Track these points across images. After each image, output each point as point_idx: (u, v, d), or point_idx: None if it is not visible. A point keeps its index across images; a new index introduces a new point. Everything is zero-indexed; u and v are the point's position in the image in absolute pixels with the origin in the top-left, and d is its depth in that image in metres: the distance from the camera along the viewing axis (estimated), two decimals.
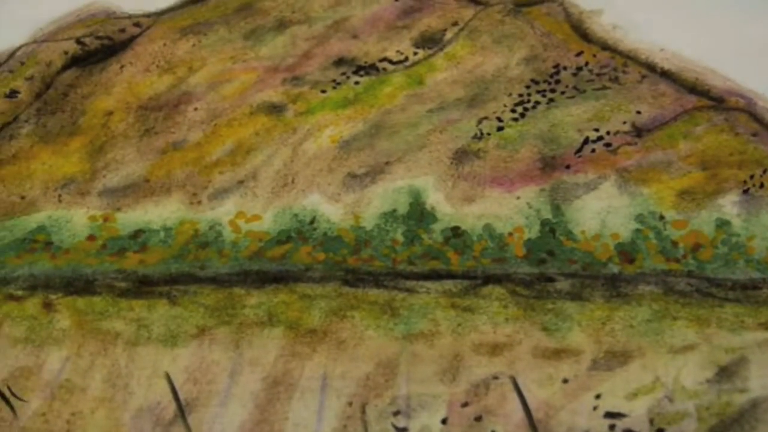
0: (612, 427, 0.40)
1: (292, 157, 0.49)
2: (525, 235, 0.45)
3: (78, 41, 0.55)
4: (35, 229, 0.49)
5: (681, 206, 0.45)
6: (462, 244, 0.45)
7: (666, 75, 0.49)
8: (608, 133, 0.47)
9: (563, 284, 0.44)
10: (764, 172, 0.45)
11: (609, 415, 0.40)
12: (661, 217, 0.45)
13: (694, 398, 0.40)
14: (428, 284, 0.44)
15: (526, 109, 0.49)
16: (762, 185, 0.45)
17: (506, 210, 0.46)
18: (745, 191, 0.45)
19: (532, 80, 0.50)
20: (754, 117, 0.47)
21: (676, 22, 0.50)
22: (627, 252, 0.44)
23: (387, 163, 0.48)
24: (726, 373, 0.40)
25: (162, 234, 0.48)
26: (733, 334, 0.41)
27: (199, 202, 0.49)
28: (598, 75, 0.50)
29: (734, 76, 0.48)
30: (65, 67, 0.55)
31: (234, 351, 0.44)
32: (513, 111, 0.49)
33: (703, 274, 0.43)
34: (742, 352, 0.41)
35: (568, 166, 0.47)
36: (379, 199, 0.47)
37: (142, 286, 0.46)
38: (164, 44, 0.55)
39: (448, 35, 0.53)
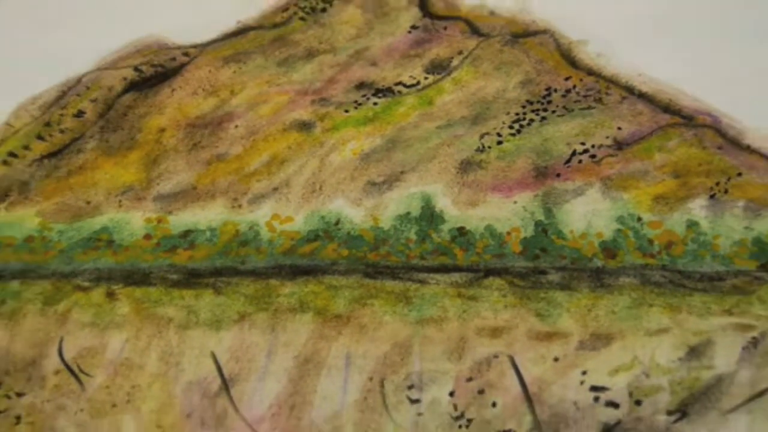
0: (596, 399, 0.41)
1: (319, 167, 0.50)
2: (521, 235, 0.46)
3: (135, 69, 0.56)
4: (99, 229, 0.50)
5: (656, 209, 0.45)
6: (466, 242, 0.46)
7: (643, 96, 0.49)
8: (593, 146, 0.48)
9: (554, 276, 0.44)
10: (728, 180, 0.45)
11: (594, 388, 0.41)
12: (639, 219, 0.45)
13: (668, 374, 0.41)
14: (438, 276, 0.45)
15: (522, 126, 0.49)
16: (726, 191, 0.45)
17: (505, 213, 0.46)
18: (712, 196, 0.45)
19: (527, 101, 0.50)
20: (719, 132, 0.47)
21: (651, 51, 0.50)
22: (609, 249, 0.45)
23: (402, 173, 0.49)
24: (695, 352, 0.41)
25: (208, 233, 0.49)
26: (701, 319, 0.42)
27: (240, 206, 0.49)
28: (584, 96, 0.50)
29: (702, 97, 0.48)
30: (124, 91, 0.55)
31: (270, 334, 0.45)
32: (511, 127, 0.49)
33: (675, 268, 0.44)
34: (708, 335, 0.42)
35: (558, 175, 0.47)
36: (395, 204, 0.48)
37: (191, 278, 0.47)
38: (209, 71, 0.55)
39: (455, 62, 0.53)
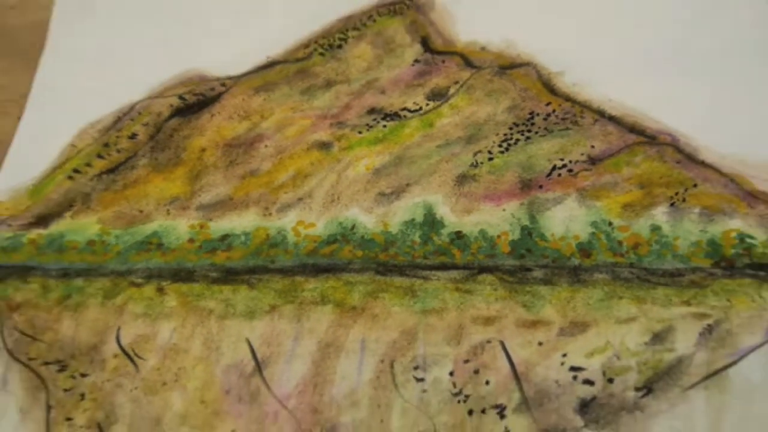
0: (575, 377, 0.41)
1: (337, 180, 0.50)
2: (509, 237, 0.46)
3: (180, 97, 0.56)
4: (150, 234, 0.51)
5: (624, 215, 0.45)
6: (463, 243, 0.46)
7: (612, 119, 0.49)
8: (570, 162, 0.48)
9: (538, 273, 0.44)
10: (686, 190, 0.46)
11: (573, 368, 0.41)
12: (610, 224, 0.45)
13: (636, 356, 0.41)
14: (438, 273, 0.45)
15: (509, 145, 0.50)
16: (684, 200, 0.46)
17: (495, 219, 0.47)
18: (672, 204, 0.45)
19: (514, 123, 0.50)
20: (678, 150, 0.48)
21: (619, 80, 0.51)
22: (585, 249, 0.45)
23: (407, 185, 0.49)
24: (659, 337, 0.42)
25: (243, 237, 0.49)
26: (663, 309, 0.42)
27: (270, 214, 0.50)
28: (562, 119, 0.50)
29: (662, 119, 0.49)
30: (171, 116, 0.56)
31: (296, 323, 0.45)
32: (500, 146, 0.50)
33: (641, 265, 0.44)
34: (670, 322, 0.42)
35: (540, 186, 0.47)
36: (402, 211, 0.48)
37: (229, 276, 0.48)
38: (242, 99, 0.55)
39: (452, 91, 0.53)
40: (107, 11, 0.62)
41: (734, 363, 0.40)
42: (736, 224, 0.44)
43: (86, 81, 0.58)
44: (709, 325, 0.41)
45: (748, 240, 0.43)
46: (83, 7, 0.62)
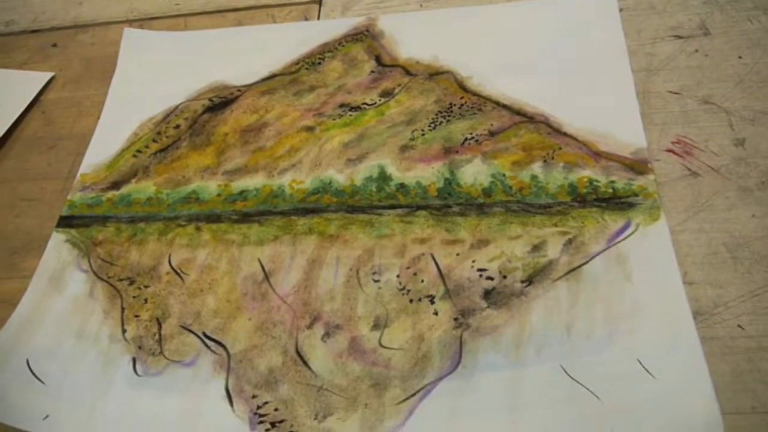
0: (480, 275, 0.41)
1: (319, 152, 0.51)
2: (436, 186, 0.47)
3: (210, 99, 0.57)
4: (191, 192, 0.51)
5: (513, 169, 0.46)
6: (405, 191, 0.47)
7: (505, 106, 0.50)
8: (477, 135, 0.49)
9: (456, 209, 0.45)
10: (554, 151, 0.47)
11: (479, 270, 0.42)
12: (504, 175, 0.46)
13: (521, 260, 0.42)
14: (389, 211, 0.46)
15: (436, 125, 0.51)
16: (553, 158, 0.46)
17: (427, 174, 0.48)
18: (545, 161, 0.46)
19: (439, 111, 0.51)
20: (548, 125, 0.49)
21: (509, 81, 0.52)
22: (487, 192, 0.46)
23: (367, 153, 0.50)
24: (536, 248, 0.42)
25: (254, 192, 0.50)
26: (539, 229, 0.43)
27: (273, 176, 0.50)
28: (471, 107, 0.51)
29: (538, 105, 0.50)
30: (203, 112, 0.56)
31: (292, 246, 0.45)
32: (429, 126, 0.51)
33: (525, 201, 0.44)
34: (544, 238, 0.42)
35: (457, 152, 0.48)
36: (363, 171, 0.49)
37: (245, 217, 0.48)
38: (253, 100, 0.56)
39: (396, 90, 0.54)
40: (157, 45, 0.62)
41: (586, 263, 0.40)
42: (587, 173, 0.45)
43: (144, 91, 0.59)
44: (569, 239, 0.42)
45: (595, 183, 0.44)
46: (141, 43, 0.63)
